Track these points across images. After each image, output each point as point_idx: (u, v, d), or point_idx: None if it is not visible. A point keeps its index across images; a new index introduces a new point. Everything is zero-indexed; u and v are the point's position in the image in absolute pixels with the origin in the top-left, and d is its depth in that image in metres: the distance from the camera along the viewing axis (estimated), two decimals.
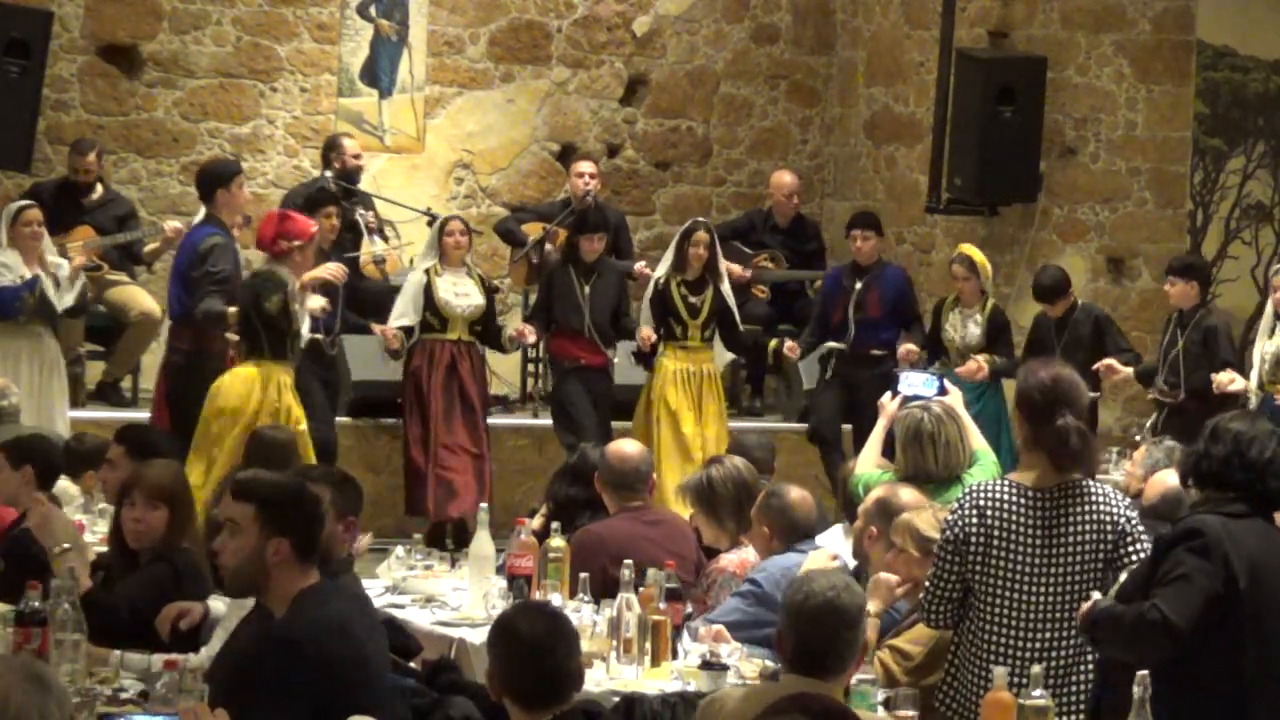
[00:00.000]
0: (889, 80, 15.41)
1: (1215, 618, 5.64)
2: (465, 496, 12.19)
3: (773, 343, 13.08)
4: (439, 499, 12.23)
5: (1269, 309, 12.11)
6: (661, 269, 12.68)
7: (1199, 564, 5.64)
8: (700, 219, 13.25)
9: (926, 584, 6.27)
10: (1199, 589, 5.61)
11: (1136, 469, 8.88)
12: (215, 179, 11.60)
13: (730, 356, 13.21)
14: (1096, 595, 5.93)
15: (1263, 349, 11.93)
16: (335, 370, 12.37)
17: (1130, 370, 12.72)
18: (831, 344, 13.07)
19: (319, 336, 11.77)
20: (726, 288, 12.69)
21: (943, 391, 8.36)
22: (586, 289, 12.63)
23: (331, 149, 13.65)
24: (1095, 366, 12.25)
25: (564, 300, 12.65)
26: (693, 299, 12.53)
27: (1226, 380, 11.89)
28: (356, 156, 13.54)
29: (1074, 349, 12.51)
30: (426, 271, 12.41)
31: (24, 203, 12.26)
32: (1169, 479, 7.63)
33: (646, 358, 12.60)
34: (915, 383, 8.46)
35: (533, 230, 13.81)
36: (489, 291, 12.60)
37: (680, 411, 12.37)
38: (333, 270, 11.27)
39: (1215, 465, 5.83)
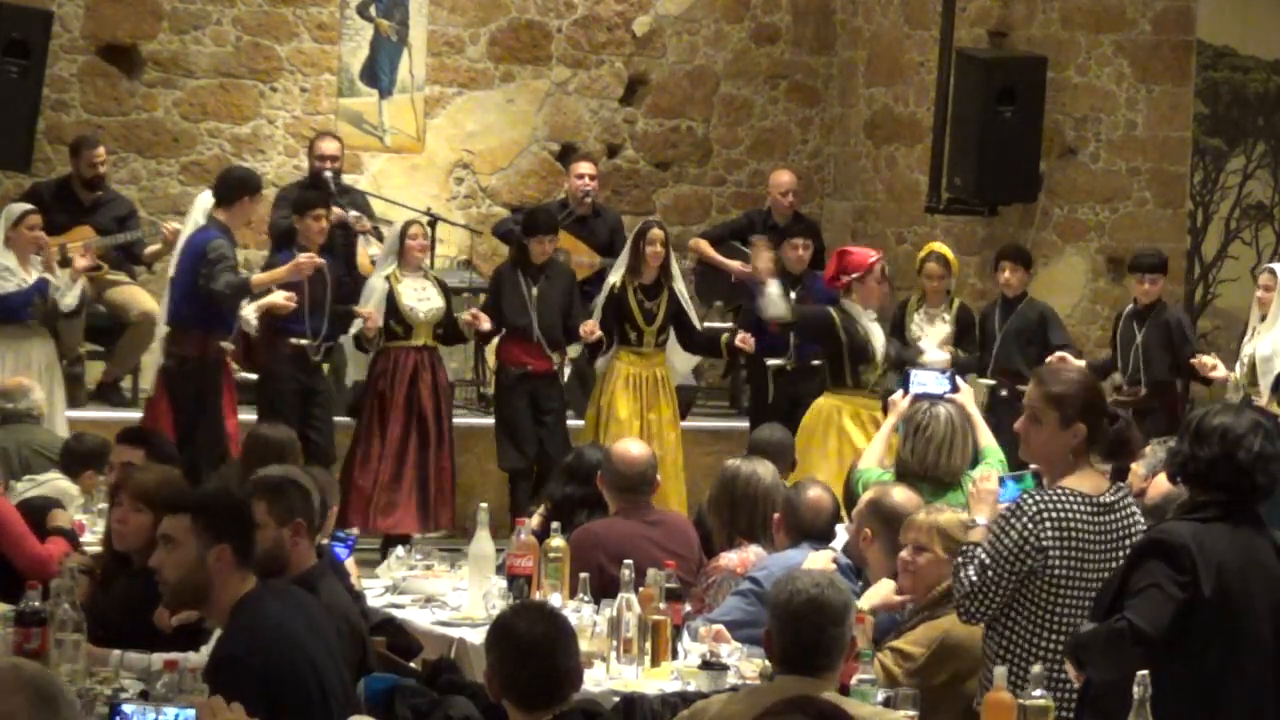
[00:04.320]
0: (889, 80, 15.40)
1: (1184, 623, 5.62)
2: (405, 516, 11.97)
3: (724, 336, 12.42)
4: (374, 514, 11.90)
5: (1253, 310, 12.04)
6: (616, 274, 12.31)
7: (1168, 573, 5.62)
8: (653, 218, 13.15)
9: (981, 577, 6.01)
10: (1169, 597, 5.59)
11: (1140, 468, 8.87)
12: (241, 188, 11.47)
13: (696, 360, 12.95)
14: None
15: (1243, 352, 11.85)
16: (319, 377, 12.10)
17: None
18: (772, 361, 12.54)
19: (304, 341, 11.80)
20: (681, 288, 12.38)
21: (954, 389, 8.32)
22: (534, 290, 12.23)
23: (308, 149, 13.65)
24: (1051, 359, 11.57)
25: (511, 303, 12.24)
26: (648, 304, 12.17)
27: (1210, 364, 11.79)
28: (321, 159, 13.23)
29: (1018, 340, 12.44)
30: (388, 278, 12.13)
31: (26, 206, 12.29)
32: None
33: (593, 351, 12.30)
34: (926, 380, 8.41)
35: None
36: (446, 291, 12.39)
37: (629, 420, 11.96)
38: (303, 263, 11.51)
39: (1202, 467, 5.77)
